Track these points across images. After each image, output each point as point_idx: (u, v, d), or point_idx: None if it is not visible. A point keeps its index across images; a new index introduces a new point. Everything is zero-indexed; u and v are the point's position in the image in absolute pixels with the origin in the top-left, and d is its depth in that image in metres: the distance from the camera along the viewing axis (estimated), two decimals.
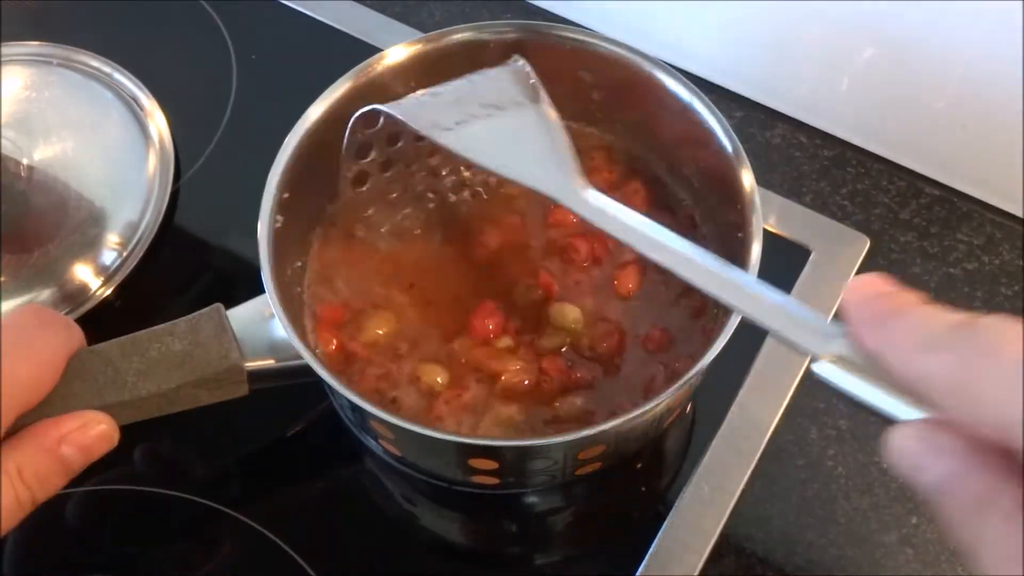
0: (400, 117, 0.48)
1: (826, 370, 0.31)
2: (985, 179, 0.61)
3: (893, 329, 0.28)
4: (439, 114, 0.48)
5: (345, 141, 0.51)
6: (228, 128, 0.64)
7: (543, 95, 0.49)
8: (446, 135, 0.47)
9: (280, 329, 0.45)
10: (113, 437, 0.43)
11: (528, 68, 0.50)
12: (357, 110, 0.51)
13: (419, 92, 0.50)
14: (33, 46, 0.67)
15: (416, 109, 0.49)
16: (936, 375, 0.27)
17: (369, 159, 0.54)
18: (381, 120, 0.51)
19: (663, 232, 0.41)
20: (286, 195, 0.49)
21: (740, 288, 0.37)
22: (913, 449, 0.27)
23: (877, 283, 0.31)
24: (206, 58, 0.68)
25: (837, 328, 0.32)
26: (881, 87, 0.61)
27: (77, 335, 0.43)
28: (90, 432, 0.42)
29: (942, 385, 0.26)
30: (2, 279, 0.57)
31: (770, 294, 0.35)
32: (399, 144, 0.54)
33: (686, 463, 0.52)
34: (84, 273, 0.58)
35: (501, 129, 0.48)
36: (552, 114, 0.48)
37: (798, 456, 0.53)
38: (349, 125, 0.51)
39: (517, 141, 0.47)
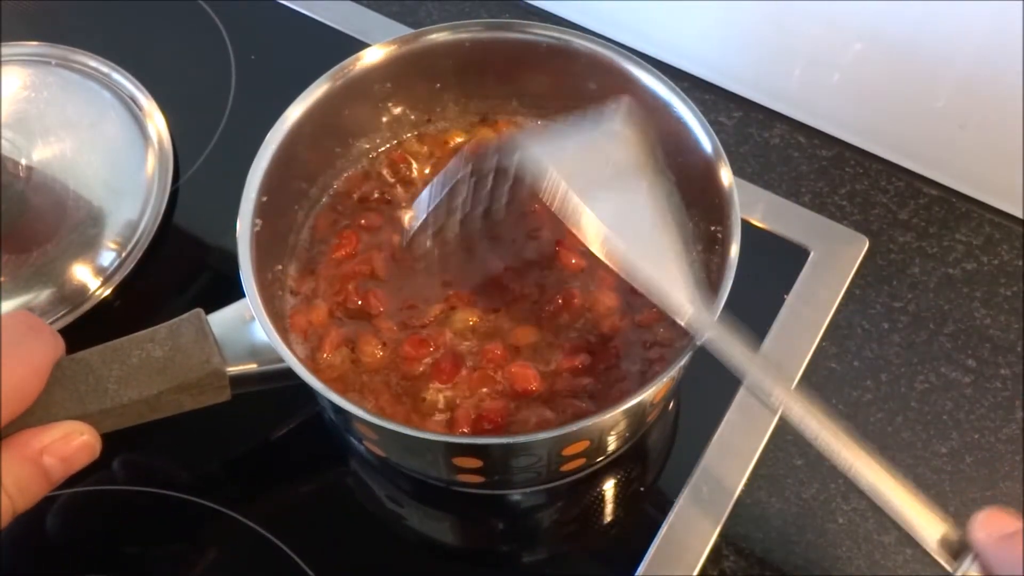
0: (547, 165, 0.44)
1: None
2: (984, 179, 0.61)
3: None
4: (572, 168, 0.44)
5: (445, 178, 0.51)
6: (227, 128, 0.65)
7: (659, 155, 0.46)
8: (591, 202, 0.43)
9: (261, 333, 0.45)
10: (95, 448, 0.43)
11: (635, 123, 0.47)
12: (343, 110, 0.52)
13: (538, 126, 0.47)
14: (32, 46, 0.68)
15: (559, 156, 0.44)
16: None
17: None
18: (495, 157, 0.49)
19: (779, 378, 0.41)
20: (265, 199, 0.49)
21: (872, 469, 0.39)
22: None
23: (1006, 521, 0.34)
24: (205, 58, 0.68)
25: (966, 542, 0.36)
26: (879, 86, 0.61)
27: (60, 343, 0.43)
28: (72, 443, 0.42)
29: None
30: (1, 279, 0.57)
31: (904, 485, 0.38)
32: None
33: (685, 463, 0.52)
34: (83, 273, 0.58)
35: (630, 210, 0.44)
36: (672, 190, 0.46)
37: (796, 456, 0.53)
38: (461, 156, 0.51)
39: (647, 236, 0.43)
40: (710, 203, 0.49)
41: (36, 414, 0.42)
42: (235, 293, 0.47)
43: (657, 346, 0.50)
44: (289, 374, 0.44)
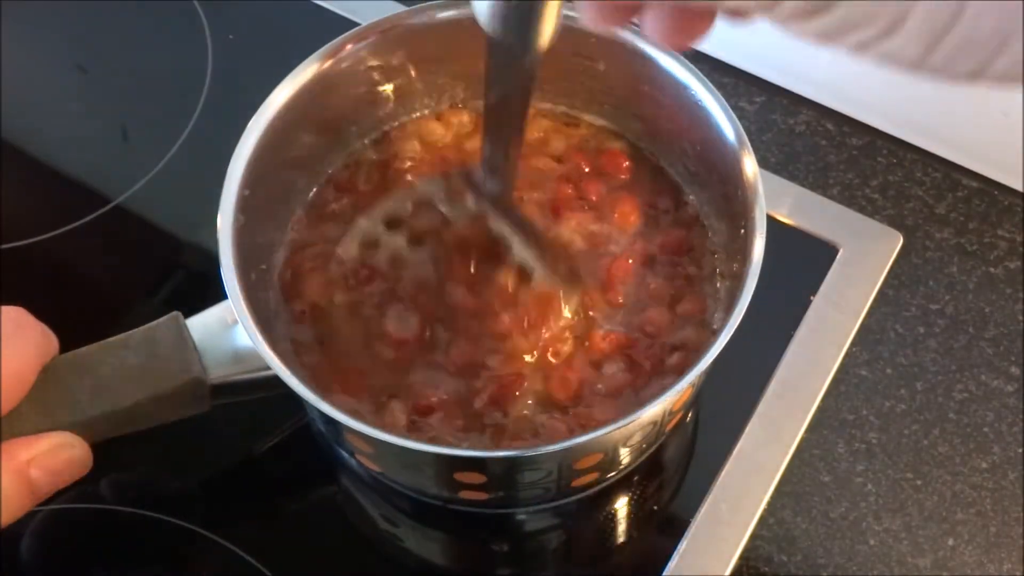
0: None
1: None
2: None
3: None
4: None
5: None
6: (202, 115, 0.64)
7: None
8: None
9: (245, 337, 0.44)
10: (86, 462, 0.42)
11: None
12: (332, 94, 0.51)
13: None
14: None
15: None
16: None
17: None
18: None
19: None
20: (247, 192, 0.48)
21: None
22: None
23: None
24: (179, 39, 0.68)
25: None
26: None
27: (53, 344, 0.43)
28: (61, 456, 0.41)
29: None
30: None
31: None
32: None
33: (702, 480, 0.52)
34: None
35: None
36: None
37: (824, 472, 0.53)
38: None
39: None
40: (732, 196, 0.49)
41: None
42: (213, 294, 0.46)
43: (677, 351, 0.50)
44: (275, 382, 0.44)
